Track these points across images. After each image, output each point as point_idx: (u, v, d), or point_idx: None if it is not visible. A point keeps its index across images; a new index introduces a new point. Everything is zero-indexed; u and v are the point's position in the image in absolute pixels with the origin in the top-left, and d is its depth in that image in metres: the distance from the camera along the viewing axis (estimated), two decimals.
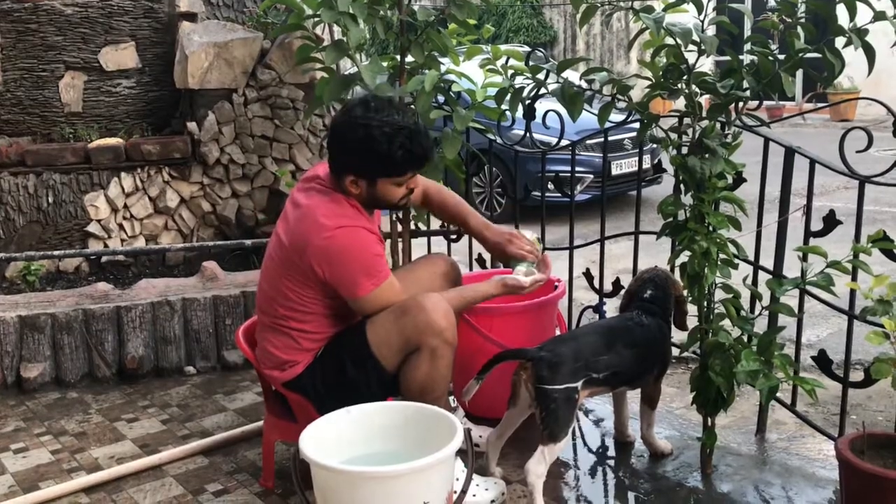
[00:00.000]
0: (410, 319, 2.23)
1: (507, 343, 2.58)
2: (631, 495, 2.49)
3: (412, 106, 3.25)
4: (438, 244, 3.60)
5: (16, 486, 2.60)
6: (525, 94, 3.00)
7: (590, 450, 2.79)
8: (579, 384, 2.30)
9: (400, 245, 3.49)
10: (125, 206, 4.47)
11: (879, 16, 2.14)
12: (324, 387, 2.33)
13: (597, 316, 3.33)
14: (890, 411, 2.82)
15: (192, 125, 4.52)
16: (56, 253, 4.04)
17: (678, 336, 2.82)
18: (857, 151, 2.40)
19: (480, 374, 2.33)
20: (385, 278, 2.28)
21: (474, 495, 2.33)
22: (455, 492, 2.03)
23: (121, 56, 4.74)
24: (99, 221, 4.40)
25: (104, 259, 4.42)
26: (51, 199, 4.33)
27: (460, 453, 2.03)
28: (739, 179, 2.55)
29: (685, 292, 2.51)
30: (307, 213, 2.29)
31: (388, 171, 2.29)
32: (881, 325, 2.08)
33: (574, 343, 2.39)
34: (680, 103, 2.48)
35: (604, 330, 2.54)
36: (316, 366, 2.34)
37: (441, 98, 3.35)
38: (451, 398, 2.80)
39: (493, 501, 2.36)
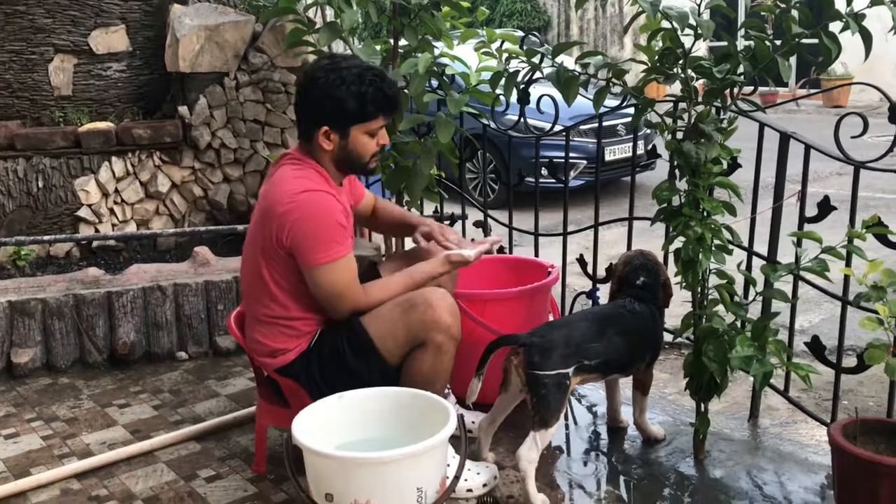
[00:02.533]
0: (418, 315, 2.22)
1: (500, 329, 2.58)
2: (623, 480, 2.49)
3: (405, 90, 3.23)
4: None
5: (7, 472, 2.58)
6: (520, 78, 2.98)
7: (582, 435, 2.80)
8: (570, 370, 2.30)
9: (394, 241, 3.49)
10: (116, 191, 4.44)
11: (877, 0, 2.12)
12: (320, 375, 2.31)
13: (590, 302, 3.33)
14: (881, 397, 2.83)
15: (183, 109, 4.49)
16: (46, 238, 4.02)
17: (671, 322, 2.82)
18: (853, 137, 2.40)
19: (479, 369, 2.33)
20: (343, 254, 2.22)
21: (466, 480, 2.33)
22: (448, 477, 2.03)
23: (111, 39, 4.69)
24: (90, 206, 4.37)
25: (95, 244, 4.39)
26: (41, 184, 4.29)
27: (453, 439, 2.03)
28: (734, 165, 2.55)
29: (678, 277, 2.50)
30: (274, 183, 2.29)
31: (360, 115, 2.26)
32: (875, 311, 2.08)
33: (566, 329, 2.39)
34: (675, 88, 2.47)
35: (596, 317, 2.54)
36: (312, 354, 2.32)
37: (434, 82, 3.33)
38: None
39: (485, 486, 2.36)
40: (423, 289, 2.30)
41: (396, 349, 2.27)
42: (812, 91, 11.30)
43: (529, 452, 2.24)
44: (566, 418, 2.90)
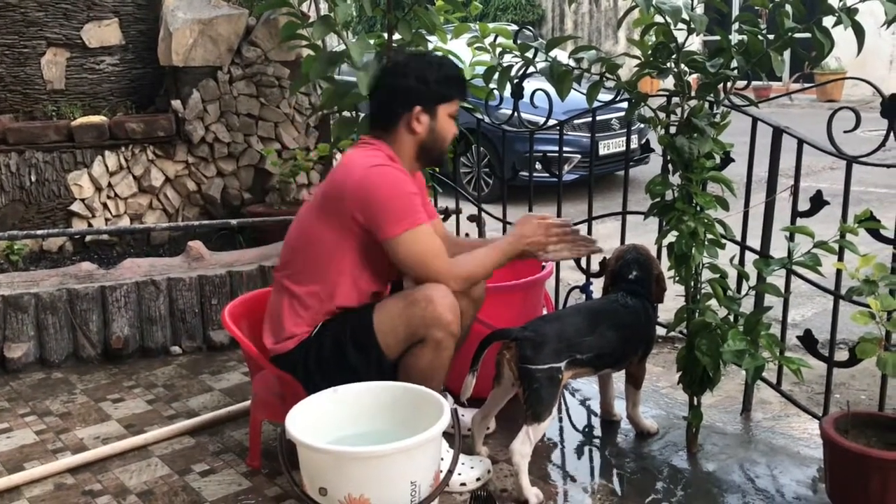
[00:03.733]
0: (419, 311, 2.22)
1: (494, 323, 2.58)
2: (616, 474, 2.50)
3: None
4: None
5: (0, 467, 2.58)
6: (513, 72, 2.98)
7: (576, 429, 2.81)
8: (563, 364, 2.30)
9: None
10: (109, 185, 4.43)
11: None
12: (317, 366, 2.30)
13: (583, 296, 3.33)
14: (873, 390, 2.84)
15: (176, 103, 4.48)
16: (39, 232, 4.00)
17: (665, 315, 2.83)
18: (845, 132, 2.40)
19: (473, 365, 2.33)
20: (421, 222, 2.26)
21: (460, 474, 2.34)
22: (442, 471, 2.03)
23: (104, 32, 4.67)
24: (83, 200, 4.36)
25: (88, 238, 4.38)
26: (34, 178, 4.28)
27: (446, 433, 2.03)
28: (727, 159, 2.55)
29: (671, 271, 2.51)
30: (345, 161, 2.36)
31: (446, 94, 2.37)
32: (867, 306, 2.09)
33: (558, 323, 2.39)
34: (669, 82, 2.47)
35: (589, 311, 2.54)
36: (311, 344, 2.31)
37: None
38: None
39: (479, 480, 2.37)
40: (425, 285, 2.29)
41: (396, 344, 2.27)
42: (805, 85, 11.32)
43: (522, 446, 2.25)
44: (560, 412, 2.90)
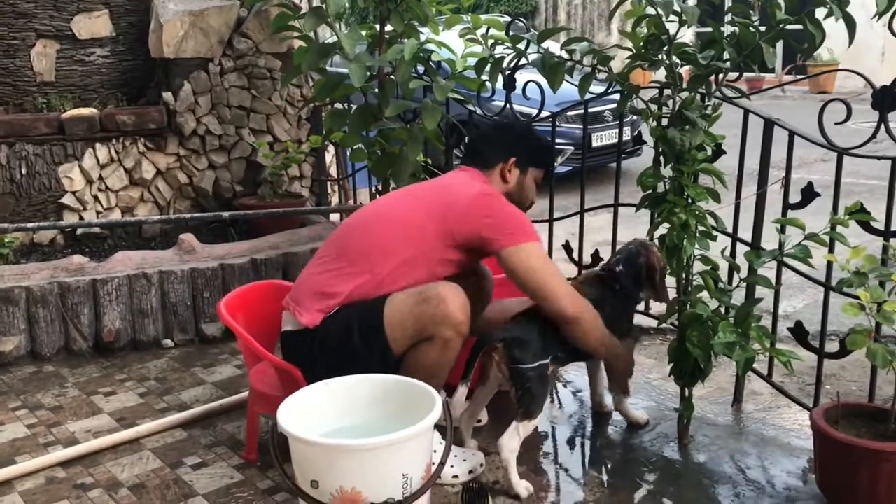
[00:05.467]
0: (430, 309, 2.21)
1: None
2: (608, 466, 2.51)
3: (391, 76, 3.21)
4: None
5: None
6: (505, 64, 2.97)
7: (567, 420, 2.81)
8: (549, 360, 2.31)
9: None
10: (100, 178, 4.41)
11: None
12: (321, 351, 2.29)
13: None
14: (864, 381, 2.85)
15: (167, 95, 4.46)
16: (30, 225, 3.98)
17: (656, 308, 2.83)
18: (836, 123, 2.41)
19: (466, 375, 2.34)
20: (539, 239, 2.36)
21: (452, 466, 2.34)
22: (434, 463, 2.03)
23: (94, 24, 4.64)
24: (74, 193, 4.34)
25: (79, 231, 4.36)
26: (24, 171, 4.25)
27: (439, 426, 2.03)
28: (719, 151, 2.55)
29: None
30: (456, 178, 2.50)
31: (539, 159, 2.59)
32: (857, 297, 2.10)
33: (538, 321, 2.38)
34: (660, 74, 2.47)
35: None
36: (318, 332, 2.30)
37: (421, 68, 3.31)
38: None
39: (471, 472, 2.37)
40: (437, 282, 2.29)
41: (403, 339, 2.26)
42: (798, 77, 11.31)
43: (510, 441, 2.26)
44: (550, 404, 2.91)
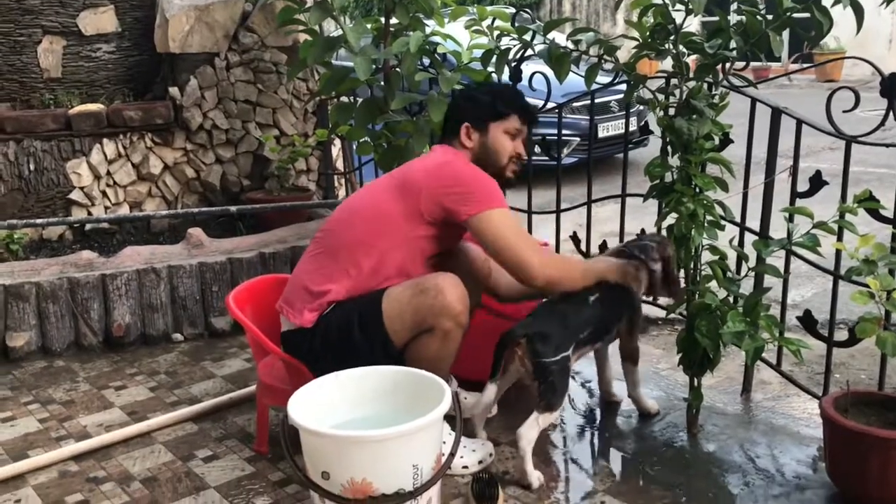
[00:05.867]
0: (428, 300, 2.22)
1: (496, 307, 2.59)
2: (618, 455, 2.51)
3: (397, 69, 3.21)
4: None
5: (4, 455, 2.59)
6: (511, 55, 2.97)
7: (577, 410, 2.82)
8: (570, 351, 2.32)
9: None
10: (108, 173, 4.42)
11: None
12: (323, 347, 2.31)
13: None
14: (873, 370, 2.85)
15: (174, 90, 4.46)
16: (39, 221, 4.00)
17: (665, 298, 2.82)
18: (844, 111, 2.40)
19: (494, 373, 2.34)
20: (505, 205, 2.34)
21: (462, 457, 2.35)
22: (444, 454, 2.04)
23: (100, 20, 4.65)
24: (82, 189, 4.35)
25: (88, 227, 4.38)
26: (32, 167, 4.27)
27: (449, 417, 2.04)
28: (726, 141, 2.54)
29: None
30: (419, 159, 2.53)
31: (498, 110, 2.48)
32: (866, 285, 2.09)
33: (557, 312, 2.38)
34: (667, 64, 2.46)
35: (575, 291, 2.51)
36: (319, 328, 2.31)
37: (426, 60, 3.31)
38: None
39: (481, 462, 2.38)
40: (436, 274, 2.30)
41: (403, 332, 2.27)
42: (804, 65, 11.27)
43: (529, 432, 2.26)
44: None
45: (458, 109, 2.55)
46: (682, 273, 2.51)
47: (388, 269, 2.34)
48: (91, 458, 2.55)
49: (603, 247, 3.25)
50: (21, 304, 3.36)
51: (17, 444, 2.68)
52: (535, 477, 2.28)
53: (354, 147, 3.93)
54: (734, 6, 2.32)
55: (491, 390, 2.36)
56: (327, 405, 2.11)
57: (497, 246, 2.31)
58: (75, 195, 4.33)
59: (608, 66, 2.64)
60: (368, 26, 3.35)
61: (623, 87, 2.65)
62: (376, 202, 2.39)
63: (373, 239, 2.33)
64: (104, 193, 4.43)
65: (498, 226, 2.29)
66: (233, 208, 4.15)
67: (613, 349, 2.73)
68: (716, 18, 2.37)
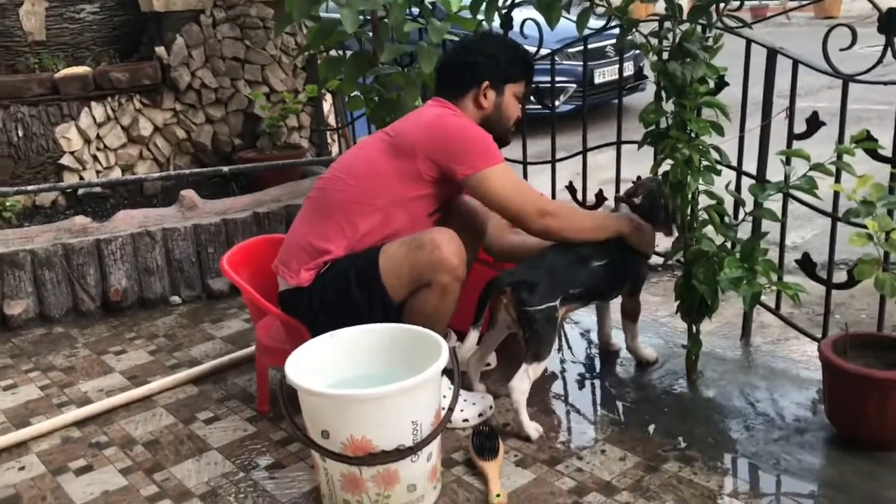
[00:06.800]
0: (425, 255, 2.20)
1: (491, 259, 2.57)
2: (618, 404, 2.51)
3: (385, 20, 3.14)
4: None
5: (7, 423, 2.60)
6: (501, 2, 2.90)
7: (576, 360, 2.82)
8: (558, 302, 2.30)
9: None
10: (98, 137, 4.37)
11: None
12: (321, 306, 2.30)
13: None
14: (873, 308, 2.83)
15: (160, 50, 4.39)
16: (30, 188, 3.97)
17: (662, 244, 2.80)
18: (841, 49, 2.35)
19: (476, 320, 2.33)
20: (503, 160, 2.32)
21: (462, 410, 2.36)
22: (443, 409, 2.04)
23: None
24: (72, 153, 4.31)
25: (81, 192, 4.35)
26: (20, 133, 4.22)
27: (447, 371, 2.04)
28: (721, 83, 2.49)
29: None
30: (418, 111, 2.44)
31: (514, 74, 2.44)
32: (864, 227, 2.07)
33: (547, 263, 2.37)
34: (660, 7, 2.40)
35: (575, 245, 2.48)
36: (316, 287, 2.30)
37: (415, 10, 3.24)
38: None
39: (481, 415, 2.39)
40: (432, 229, 2.28)
41: (401, 287, 2.26)
42: (802, 3, 11.07)
43: (521, 384, 2.26)
44: (559, 344, 2.91)
45: (475, 66, 2.42)
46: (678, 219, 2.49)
47: (388, 228, 2.31)
48: (93, 424, 2.56)
49: (600, 195, 3.22)
50: (17, 272, 3.35)
51: (19, 411, 2.69)
52: (533, 428, 2.29)
53: (346, 101, 3.88)
54: None
55: (473, 336, 2.35)
56: (325, 364, 2.11)
57: (498, 205, 2.32)
58: (66, 160, 4.29)
59: (600, 10, 2.58)
60: None
61: (617, 31, 2.59)
62: (371, 161, 2.35)
63: (370, 198, 2.31)
64: (95, 157, 4.38)
65: (497, 183, 2.28)
66: (225, 168, 4.11)
67: (615, 300, 2.72)
68: None
